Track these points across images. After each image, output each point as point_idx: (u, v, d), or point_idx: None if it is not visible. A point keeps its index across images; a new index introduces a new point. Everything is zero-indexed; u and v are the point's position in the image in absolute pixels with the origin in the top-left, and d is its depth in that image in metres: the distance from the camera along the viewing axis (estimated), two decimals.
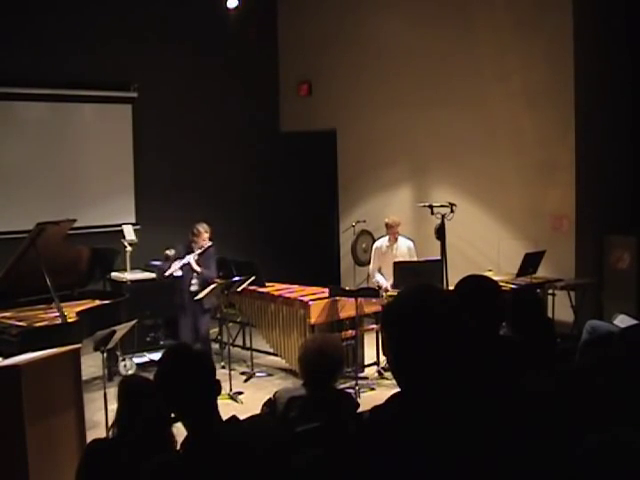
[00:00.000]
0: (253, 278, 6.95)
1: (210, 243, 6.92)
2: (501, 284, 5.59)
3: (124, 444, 2.85)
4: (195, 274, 6.88)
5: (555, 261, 7.54)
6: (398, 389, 1.68)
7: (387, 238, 7.45)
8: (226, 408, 2.28)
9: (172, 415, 2.30)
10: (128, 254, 7.34)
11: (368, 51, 9.46)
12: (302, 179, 10.38)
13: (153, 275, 7.51)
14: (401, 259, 7.20)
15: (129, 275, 7.38)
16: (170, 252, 7.14)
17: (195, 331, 6.92)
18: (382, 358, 6.96)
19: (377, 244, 7.57)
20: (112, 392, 3.46)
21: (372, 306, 6.91)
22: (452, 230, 7.04)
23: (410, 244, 7.45)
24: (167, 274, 6.86)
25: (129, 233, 7.56)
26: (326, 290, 6.93)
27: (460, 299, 2.65)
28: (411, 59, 8.99)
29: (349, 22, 9.64)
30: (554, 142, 7.76)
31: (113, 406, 3.13)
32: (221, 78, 9.90)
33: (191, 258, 6.83)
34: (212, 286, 6.63)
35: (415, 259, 7.40)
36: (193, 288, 6.90)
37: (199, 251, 6.85)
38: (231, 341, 7.42)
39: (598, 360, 3.13)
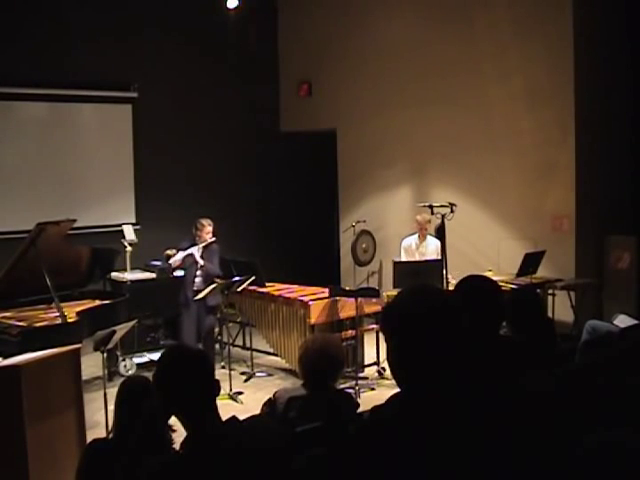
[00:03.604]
0: (253, 278, 6.95)
1: (214, 238, 6.96)
2: (501, 284, 5.61)
3: (124, 444, 2.85)
4: (199, 269, 6.92)
5: (555, 261, 7.54)
6: (398, 389, 1.68)
7: (416, 235, 7.60)
8: (226, 408, 2.28)
9: (171, 415, 2.30)
10: (128, 254, 7.33)
11: (368, 51, 9.46)
12: (302, 179, 10.37)
13: (153, 275, 7.52)
14: (430, 257, 7.30)
15: (129, 275, 7.37)
16: (171, 252, 7.16)
17: (198, 329, 6.95)
18: (382, 358, 6.96)
19: (405, 242, 7.68)
20: (112, 392, 3.45)
21: (372, 306, 6.92)
22: (452, 230, 7.04)
23: (439, 243, 7.48)
24: (172, 263, 6.99)
25: (129, 233, 7.56)
26: (326, 290, 6.93)
27: (460, 299, 2.65)
28: (411, 59, 8.99)
29: (349, 22, 9.64)
30: (554, 142, 7.75)
31: (113, 406, 3.12)
32: (221, 78, 9.90)
33: (195, 250, 6.89)
34: (212, 286, 6.63)
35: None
36: (196, 286, 6.94)
37: (203, 244, 6.90)
38: (231, 341, 7.42)
39: (598, 360, 3.13)
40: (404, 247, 7.66)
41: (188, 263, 6.96)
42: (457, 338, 1.63)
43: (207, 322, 7.05)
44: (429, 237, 7.54)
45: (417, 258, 7.43)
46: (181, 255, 6.92)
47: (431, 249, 7.49)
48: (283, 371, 7.23)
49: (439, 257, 7.37)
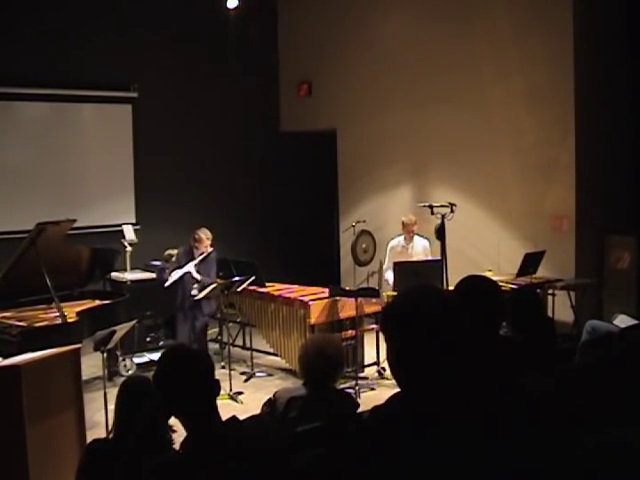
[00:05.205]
0: (253, 278, 6.95)
1: (211, 249, 6.92)
2: (501, 284, 5.61)
3: (124, 444, 2.85)
4: (196, 282, 6.90)
5: (555, 261, 7.53)
6: (398, 389, 1.68)
7: (403, 237, 7.52)
8: (226, 408, 2.28)
9: (171, 415, 2.30)
10: (128, 254, 7.34)
11: (368, 51, 9.46)
12: (302, 179, 10.38)
13: (153, 275, 7.51)
14: (416, 258, 7.24)
15: (129, 275, 7.38)
16: (172, 252, 7.14)
17: (192, 332, 6.93)
18: (382, 358, 6.96)
19: (392, 243, 7.61)
20: (112, 392, 3.45)
21: (372, 306, 6.91)
22: (452, 230, 7.04)
23: (426, 243, 7.46)
24: (167, 285, 6.84)
25: (129, 233, 7.56)
26: (326, 290, 6.93)
27: (460, 299, 2.65)
28: (411, 59, 8.99)
29: (349, 22, 9.64)
30: (554, 142, 7.75)
31: (113, 406, 3.12)
32: (221, 78, 9.90)
33: (191, 267, 6.83)
34: (212, 286, 6.63)
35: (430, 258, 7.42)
36: (194, 292, 6.92)
37: (200, 258, 6.86)
38: (231, 341, 7.42)
39: (598, 360, 3.13)
40: (390, 248, 7.59)
41: (186, 277, 6.90)
42: (457, 338, 1.63)
43: (199, 323, 7.02)
44: (416, 237, 7.48)
45: (403, 259, 7.34)
46: (178, 274, 6.82)
47: (417, 250, 7.44)
48: (283, 371, 7.22)
49: (427, 257, 7.39)
